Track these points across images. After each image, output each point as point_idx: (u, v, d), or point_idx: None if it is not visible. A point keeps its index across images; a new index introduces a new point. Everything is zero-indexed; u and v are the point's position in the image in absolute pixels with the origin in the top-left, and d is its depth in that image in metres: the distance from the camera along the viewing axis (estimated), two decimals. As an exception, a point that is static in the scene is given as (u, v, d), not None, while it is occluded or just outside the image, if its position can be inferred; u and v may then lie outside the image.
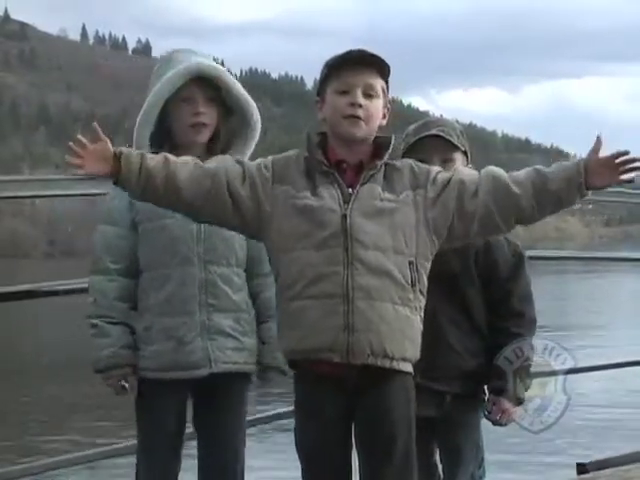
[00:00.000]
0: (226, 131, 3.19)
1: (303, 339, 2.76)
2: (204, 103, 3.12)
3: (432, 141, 3.21)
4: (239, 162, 2.89)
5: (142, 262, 3.17)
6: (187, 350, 3.11)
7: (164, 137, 3.13)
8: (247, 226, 2.87)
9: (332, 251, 2.75)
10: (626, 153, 2.77)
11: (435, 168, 2.92)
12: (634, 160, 2.77)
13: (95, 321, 3.15)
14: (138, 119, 3.11)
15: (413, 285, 2.80)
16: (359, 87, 2.84)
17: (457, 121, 3.52)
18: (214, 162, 2.87)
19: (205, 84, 3.11)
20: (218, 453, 3.22)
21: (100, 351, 3.13)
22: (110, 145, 2.78)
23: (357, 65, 2.84)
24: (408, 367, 2.82)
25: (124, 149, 2.80)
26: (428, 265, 2.86)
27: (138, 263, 3.17)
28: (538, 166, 2.87)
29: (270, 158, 2.92)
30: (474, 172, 2.91)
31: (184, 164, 2.82)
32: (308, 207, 2.78)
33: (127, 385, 3.13)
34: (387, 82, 2.90)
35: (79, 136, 2.76)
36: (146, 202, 2.90)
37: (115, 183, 2.81)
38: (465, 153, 3.28)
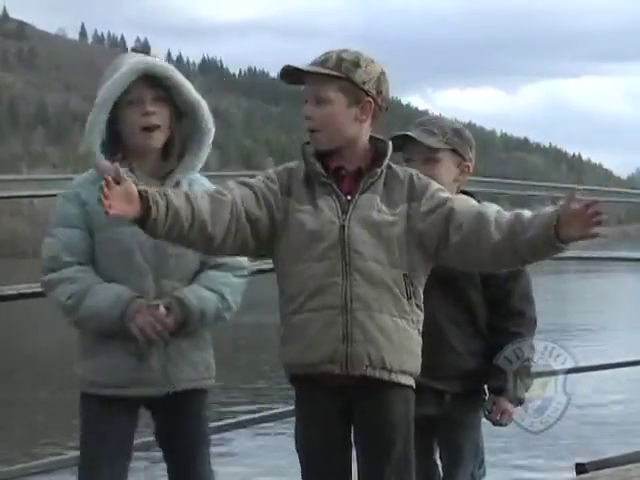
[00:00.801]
0: (180, 135, 3.05)
1: (304, 352, 2.76)
2: (152, 103, 2.97)
3: (414, 140, 3.21)
4: (244, 184, 2.81)
5: (98, 271, 3.01)
6: (143, 367, 2.98)
7: (116, 144, 3.00)
8: (261, 248, 2.83)
9: (331, 262, 2.74)
10: (595, 204, 2.59)
11: (435, 184, 2.87)
12: (597, 209, 2.58)
13: (71, 297, 2.96)
14: (87, 126, 2.97)
15: (409, 298, 2.79)
16: (309, 97, 2.83)
17: (456, 120, 3.50)
18: (224, 190, 2.77)
19: (153, 84, 2.97)
20: (185, 475, 3.11)
21: (100, 308, 2.94)
22: (134, 185, 2.64)
23: (306, 75, 2.82)
24: (408, 380, 2.81)
25: (148, 189, 2.67)
26: (423, 279, 2.85)
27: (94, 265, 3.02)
28: (520, 211, 2.73)
29: (271, 171, 2.89)
30: (470, 204, 2.81)
31: (202, 198, 2.72)
32: (308, 220, 2.77)
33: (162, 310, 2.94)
34: (350, 79, 2.79)
35: (106, 176, 2.60)
36: (168, 241, 2.78)
37: (141, 224, 2.66)
38: (456, 151, 3.25)
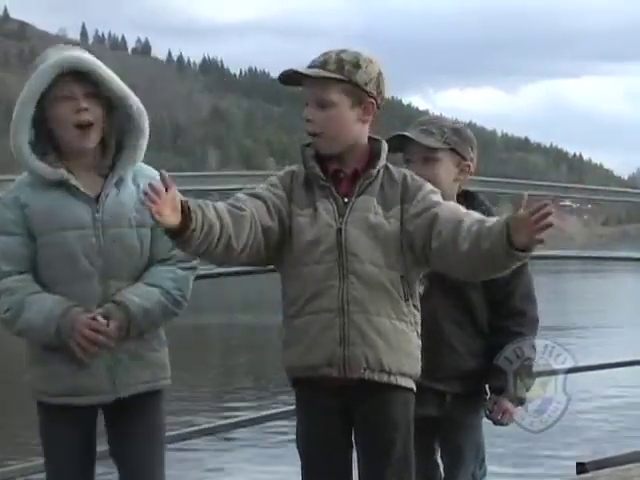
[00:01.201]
0: (114, 129, 2.94)
1: (304, 355, 2.76)
2: (84, 99, 2.84)
3: (413, 141, 3.20)
4: (254, 196, 2.77)
5: (40, 275, 2.90)
6: (88, 374, 2.86)
7: (46, 142, 2.88)
8: (271, 257, 2.81)
9: (328, 265, 2.74)
10: (542, 208, 2.50)
11: (429, 186, 2.86)
12: (546, 215, 2.50)
13: (6, 311, 2.86)
14: (12, 125, 2.84)
15: (406, 300, 2.79)
16: (311, 100, 2.81)
17: (456, 120, 3.50)
18: (240, 204, 2.72)
19: (82, 79, 2.84)
20: None
21: (35, 324, 2.83)
22: (179, 195, 2.57)
23: (307, 77, 2.79)
24: (408, 383, 2.80)
25: (188, 199, 2.60)
26: (417, 281, 2.84)
27: (35, 272, 2.91)
28: (487, 219, 2.68)
29: (274, 177, 2.87)
30: (455, 212, 2.76)
31: (223, 211, 2.67)
32: (308, 224, 2.77)
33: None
34: (352, 81, 2.78)
35: (153, 183, 2.53)
36: (192, 254, 2.73)
37: (175, 235, 2.58)
38: (455, 151, 3.24)
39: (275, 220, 2.76)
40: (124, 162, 2.94)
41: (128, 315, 2.87)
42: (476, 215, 2.74)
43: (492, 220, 2.65)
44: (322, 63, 2.79)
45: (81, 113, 2.84)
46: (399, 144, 3.18)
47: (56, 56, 2.86)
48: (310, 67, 2.81)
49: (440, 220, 2.72)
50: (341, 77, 2.77)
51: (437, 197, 2.82)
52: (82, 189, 2.87)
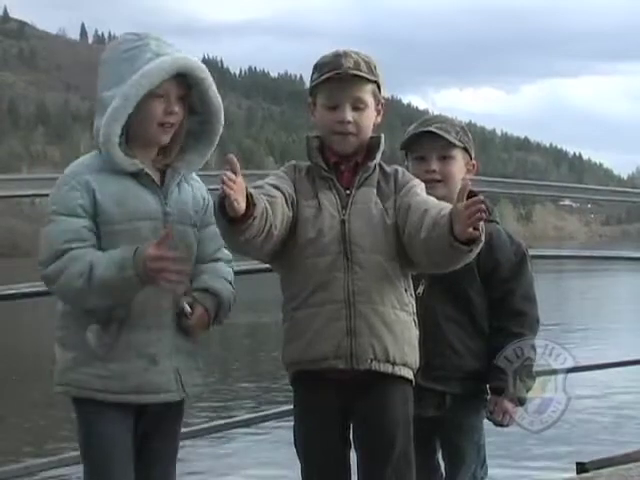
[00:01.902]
0: (185, 133, 2.92)
1: (308, 348, 2.76)
2: (176, 101, 2.83)
3: (430, 138, 3.21)
4: (272, 186, 2.77)
5: None
6: (158, 372, 2.77)
7: (125, 131, 2.82)
8: (278, 252, 2.80)
9: (333, 257, 2.76)
10: (477, 200, 2.53)
11: (416, 181, 2.89)
12: (479, 209, 2.52)
13: (69, 250, 2.71)
14: (110, 111, 2.75)
15: (406, 290, 2.83)
16: (347, 102, 2.82)
17: (455, 119, 3.51)
18: (270, 193, 2.72)
19: (179, 81, 2.82)
20: None
21: (111, 276, 2.68)
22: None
23: (344, 79, 2.81)
24: (409, 374, 2.82)
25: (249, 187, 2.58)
26: (410, 270, 2.85)
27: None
28: (444, 207, 2.68)
29: (278, 171, 2.90)
30: (425, 202, 2.77)
31: (264, 198, 2.65)
32: (312, 215, 2.79)
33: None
34: (377, 82, 2.86)
35: (231, 165, 2.50)
36: (243, 244, 2.66)
37: (233, 222, 2.56)
38: (466, 150, 3.27)
39: (290, 210, 2.78)
40: (188, 163, 2.91)
41: (219, 302, 2.85)
42: (442, 205, 2.74)
43: (447, 209, 2.66)
44: (355, 64, 2.81)
45: (171, 115, 2.81)
46: (408, 142, 3.20)
47: (166, 55, 2.79)
48: (350, 69, 2.80)
49: (412, 209, 2.76)
50: (375, 79, 2.84)
51: (419, 190, 2.86)
52: (156, 181, 2.83)
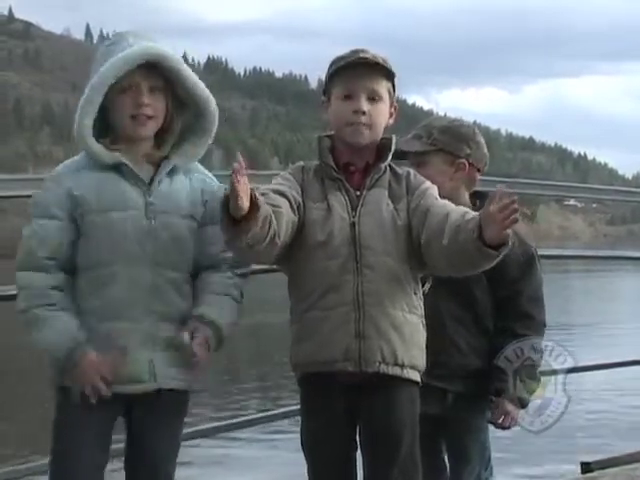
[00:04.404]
0: (180, 124, 2.90)
1: (318, 350, 2.76)
2: (149, 93, 2.80)
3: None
4: (278, 192, 2.76)
5: (83, 259, 2.81)
6: (130, 361, 2.78)
7: (105, 127, 2.83)
8: (285, 255, 2.78)
9: (343, 259, 2.75)
10: (512, 201, 2.50)
11: (428, 183, 2.89)
12: (513, 209, 2.49)
13: (30, 311, 2.77)
14: (80, 106, 2.77)
15: (415, 293, 2.83)
16: (363, 92, 2.83)
17: (455, 118, 3.45)
18: (275, 200, 2.70)
19: (152, 72, 2.79)
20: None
21: (49, 342, 2.75)
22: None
23: (361, 69, 2.82)
24: (416, 376, 2.82)
25: (254, 188, 2.58)
26: (420, 272, 2.86)
27: (75, 260, 2.82)
28: (467, 212, 2.69)
29: (285, 173, 2.89)
30: (445, 207, 2.77)
31: (268, 205, 2.63)
32: (321, 218, 2.78)
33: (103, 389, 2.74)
34: (393, 82, 2.89)
35: (236, 166, 2.48)
36: (242, 248, 2.64)
37: (237, 225, 2.55)
38: (445, 151, 3.22)
39: (297, 215, 2.77)
40: (181, 155, 2.90)
41: (219, 334, 2.83)
42: (463, 210, 2.74)
43: (472, 214, 2.65)
44: (373, 57, 2.83)
45: (141, 107, 2.80)
46: (401, 154, 3.19)
47: (138, 44, 2.80)
48: (368, 59, 2.82)
49: (431, 214, 2.75)
50: (392, 76, 2.86)
51: (434, 193, 2.85)
52: (136, 172, 2.83)
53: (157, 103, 2.83)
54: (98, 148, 2.81)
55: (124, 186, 2.82)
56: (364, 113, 2.82)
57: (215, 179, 2.99)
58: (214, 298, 2.87)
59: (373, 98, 2.83)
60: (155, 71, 2.81)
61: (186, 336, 2.78)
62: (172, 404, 2.87)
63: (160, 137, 2.89)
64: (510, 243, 2.59)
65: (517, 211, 2.50)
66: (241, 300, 2.93)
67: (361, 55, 2.84)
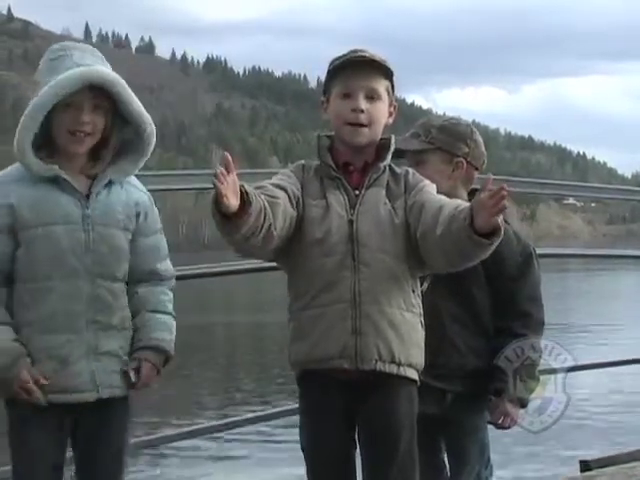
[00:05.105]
0: (118, 140, 2.93)
1: (315, 347, 2.76)
2: (90, 111, 2.84)
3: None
4: (277, 186, 2.75)
5: (21, 272, 2.83)
6: (71, 372, 2.81)
7: (42, 140, 2.85)
8: (282, 249, 2.78)
9: (340, 257, 2.75)
10: (502, 188, 2.49)
11: (426, 182, 2.89)
12: (502, 195, 2.48)
13: None
14: (22, 120, 2.81)
15: (413, 290, 2.83)
16: (362, 91, 2.83)
17: (453, 117, 3.45)
18: (273, 193, 2.70)
19: (95, 90, 2.83)
20: None
21: None
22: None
23: (360, 68, 2.83)
24: (414, 374, 2.82)
25: (244, 184, 2.57)
26: (419, 272, 2.85)
27: (12, 272, 2.84)
28: (460, 203, 2.69)
29: (286, 170, 2.90)
30: (439, 200, 2.78)
31: (263, 198, 2.62)
32: (319, 215, 2.79)
33: (34, 390, 2.78)
34: (392, 82, 2.89)
35: (225, 162, 2.47)
36: (235, 243, 2.63)
37: (230, 221, 2.54)
38: (443, 149, 3.22)
39: (295, 210, 2.77)
40: (118, 171, 2.94)
41: (166, 355, 2.93)
42: (457, 202, 2.74)
43: (465, 205, 2.65)
44: (372, 56, 2.83)
45: (82, 124, 2.83)
46: (399, 152, 3.19)
47: (83, 64, 2.83)
48: (362, 59, 2.83)
49: (426, 208, 2.75)
50: (391, 75, 2.86)
51: (430, 190, 2.85)
52: (73, 184, 2.86)
53: (97, 120, 2.87)
54: (35, 162, 2.83)
55: (62, 199, 2.85)
56: (362, 111, 2.82)
57: (146, 191, 3.03)
58: (154, 319, 2.94)
59: (372, 97, 2.83)
60: (99, 90, 2.84)
61: (132, 375, 2.87)
62: (116, 411, 2.91)
63: (96, 152, 2.92)
64: (502, 233, 2.58)
65: (505, 198, 2.50)
66: (173, 315, 3.01)
67: (359, 54, 2.84)
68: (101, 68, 2.87)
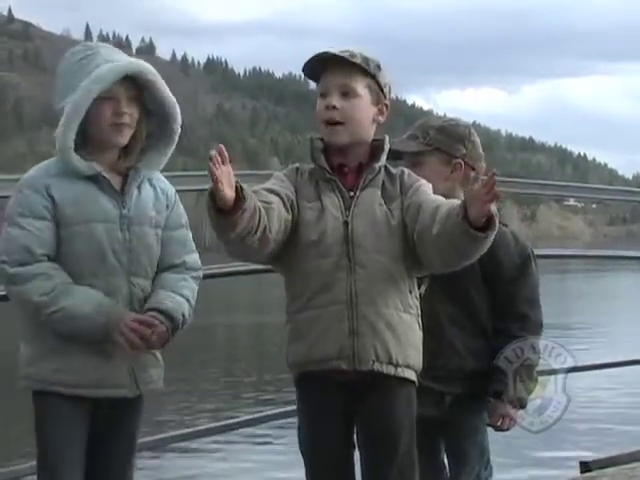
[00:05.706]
0: (144, 132, 2.98)
1: (312, 349, 2.76)
2: (127, 103, 2.89)
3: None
4: (271, 191, 2.76)
5: (64, 268, 2.85)
6: (112, 367, 2.86)
7: (77, 139, 2.88)
8: (277, 253, 2.78)
9: (336, 258, 2.75)
10: (493, 177, 2.52)
11: (422, 182, 2.89)
12: (493, 183, 2.50)
13: (56, 288, 2.80)
14: (63, 119, 2.86)
15: (411, 291, 2.82)
16: (335, 89, 2.82)
17: (452, 118, 3.44)
18: (261, 197, 2.69)
19: (128, 83, 2.89)
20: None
21: (38, 296, 2.79)
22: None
23: (335, 66, 2.82)
24: (412, 375, 2.82)
25: (238, 180, 2.56)
26: (417, 272, 2.85)
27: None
28: (455, 202, 2.69)
29: (279, 174, 2.89)
30: (436, 201, 2.79)
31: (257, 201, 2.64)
32: (314, 217, 2.79)
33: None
34: (377, 79, 2.85)
35: (219, 151, 2.48)
36: (228, 242, 2.63)
37: (225, 216, 2.54)
38: (441, 150, 3.22)
39: (289, 214, 2.77)
40: (149, 164, 2.98)
41: (173, 324, 2.90)
42: (453, 201, 2.73)
43: (458, 201, 2.66)
44: (350, 55, 2.82)
45: (121, 116, 2.88)
46: (397, 154, 3.18)
47: (115, 59, 2.89)
48: (335, 55, 2.82)
49: (423, 208, 2.75)
50: (368, 69, 2.83)
51: (426, 190, 2.85)
52: (113, 184, 2.90)
53: (134, 111, 2.92)
54: (78, 160, 2.86)
55: (101, 198, 2.88)
56: (335, 107, 2.81)
57: (171, 186, 3.06)
58: (166, 295, 2.94)
59: (346, 93, 2.82)
60: (132, 82, 2.89)
61: (152, 319, 2.86)
62: (133, 408, 2.96)
63: (125, 147, 2.95)
64: (497, 224, 2.58)
65: (496, 183, 2.50)
66: (192, 304, 2.99)
67: (329, 52, 2.83)
68: (135, 60, 2.94)
